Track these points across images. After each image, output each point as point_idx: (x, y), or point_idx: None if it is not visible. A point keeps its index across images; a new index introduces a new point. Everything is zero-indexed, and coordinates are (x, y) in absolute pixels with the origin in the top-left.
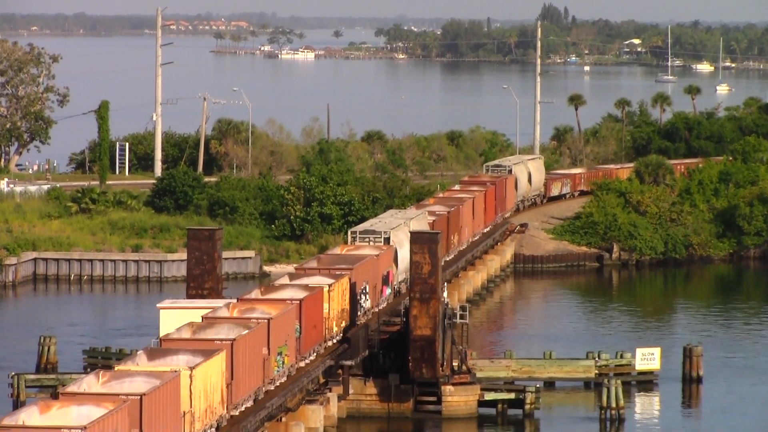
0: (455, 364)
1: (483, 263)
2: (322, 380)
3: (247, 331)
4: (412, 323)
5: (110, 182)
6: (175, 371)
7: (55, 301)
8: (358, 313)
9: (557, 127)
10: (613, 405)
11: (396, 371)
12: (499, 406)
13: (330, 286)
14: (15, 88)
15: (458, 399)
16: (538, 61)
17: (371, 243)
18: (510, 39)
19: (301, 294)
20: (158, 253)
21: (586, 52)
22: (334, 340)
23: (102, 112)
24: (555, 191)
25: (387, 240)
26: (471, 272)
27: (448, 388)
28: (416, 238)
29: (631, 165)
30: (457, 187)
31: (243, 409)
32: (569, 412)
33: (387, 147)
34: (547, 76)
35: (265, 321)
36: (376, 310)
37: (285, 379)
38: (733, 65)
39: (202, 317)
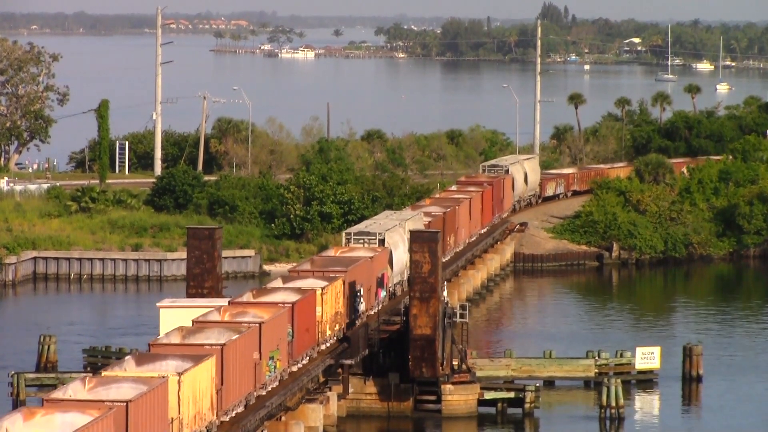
0: (455, 363)
1: (483, 262)
2: (322, 379)
3: (237, 335)
4: (412, 322)
5: (110, 181)
6: (163, 377)
7: (55, 300)
8: (352, 316)
9: (557, 126)
10: (613, 404)
11: (396, 370)
12: (499, 405)
13: (323, 288)
14: (15, 87)
15: (458, 398)
16: (538, 60)
17: (366, 245)
18: (510, 38)
19: (293, 297)
20: (158, 252)
21: (586, 51)
22: (328, 344)
23: (102, 111)
24: (550, 191)
25: (382, 242)
26: (471, 271)
27: (447, 387)
28: (416, 237)
29: (622, 164)
30: (453, 187)
31: (234, 414)
32: (569, 411)
33: (387, 146)
34: (547, 75)
35: (257, 325)
36: (371, 313)
37: (277, 383)
38: (733, 64)
39: (193, 321)
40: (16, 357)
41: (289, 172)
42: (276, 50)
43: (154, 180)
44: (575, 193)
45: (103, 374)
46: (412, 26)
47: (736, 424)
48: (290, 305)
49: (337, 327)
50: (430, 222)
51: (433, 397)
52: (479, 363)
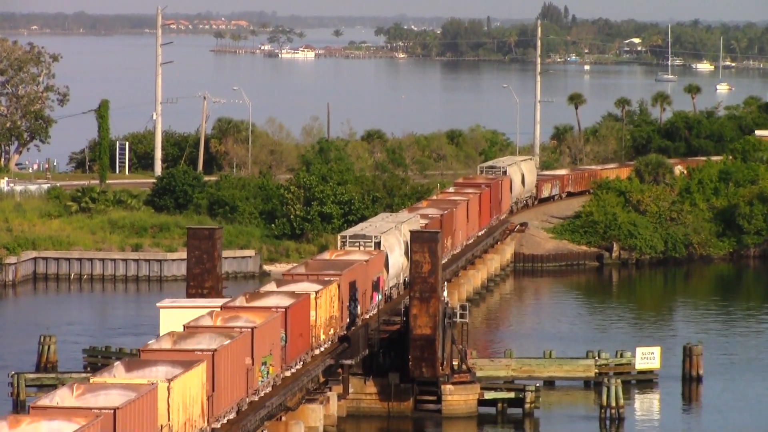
0: (455, 363)
1: (483, 262)
2: (322, 379)
3: (229, 341)
4: (412, 322)
5: (110, 181)
6: (153, 383)
7: (55, 300)
8: (347, 320)
9: (557, 126)
10: (613, 404)
11: (396, 370)
12: (499, 405)
13: (317, 292)
14: (15, 87)
15: (458, 398)
16: (538, 60)
17: (361, 248)
18: (510, 38)
19: (287, 301)
20: (158, 252)
21: (586, 51)
22: (322, 349)
23: (102, 111)
24: (546, 192)
25: (378, 245)
26: (471, 271)
27: (448, 387)
28: (416, 237)
29: (614, 166)
30: (451, 189)
31: (225, 421)
32: (569, 412)
33: (387, 146)
34: (547, 75)
35: (249, 330)
36: (367, 316)
37: (270, 389)
38: (733, 64)
39: (184, 326)
40: (16, 357)
41: (289, 172)
42: (276, 50)
43: (154, 180)
44: (570, 195)
45: (91, 380)
46: (412, 26)
47: (736, 424)
48: (283, 309)
49: (331, 331)
50: (426, 225)
51: (433, 397)
52: (479, 363)
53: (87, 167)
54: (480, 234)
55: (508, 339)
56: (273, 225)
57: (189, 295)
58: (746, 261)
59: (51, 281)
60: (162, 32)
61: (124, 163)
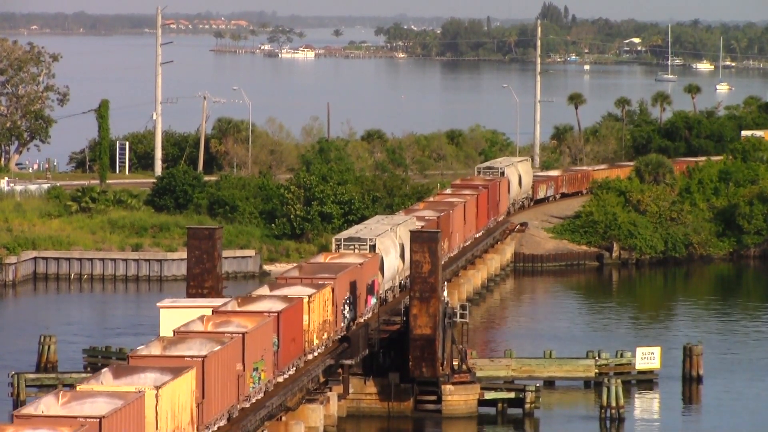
0: (455, 363)
1: (483, 262)
2: (322, 379)
3: (219, 346)
4: (412, 322)
5: (110, 181)
6: (140, 391)
7: (55, 300)
8: (342, 324)
9: (557, 126)
10: (613, 404)
11: (396, 370)
12: (499, 405)
13: (310, 296)
14: (15, 87)
15: (458, 398)
16: (538, 60)
17: (356, 251)
18: (510, 38)
19: (279, 305)
20: (158, 252)
21: (586, 51)
22: (315, 353)
23: (102, 111)
24: (541, 193)
25: (372, 248)
26: (471, 271)
27: (448, 387)
28: (416, 237)
29: (604, 166)
30: (448, 190)
31: (215, 428)
32: (569, 412)
33: (387, 146)
34: (547, 75)
35: (240, 335)
36: (361, 321)
37: (262, 395)
38: (733, 64)
39: (174, 331)
40: (16, 357)
41: (289, 172)
42: (276, 50)
43: (154, 180)
44: (563, 196)
45: (78, 388)
46: (412, 26)
47: (736, 424)
48: (276, 314)
49: (325, 336)
50: (423, 227)
51: (433, 397)
52: (479, 363)
53: (87, 167)
54: (477, 236)
55: (508, 339)
56: (273, 225)
57: (189, 295)
58: (746, 261)
59: (51, 281)
60: (162, 32)
61: (124, 163)
